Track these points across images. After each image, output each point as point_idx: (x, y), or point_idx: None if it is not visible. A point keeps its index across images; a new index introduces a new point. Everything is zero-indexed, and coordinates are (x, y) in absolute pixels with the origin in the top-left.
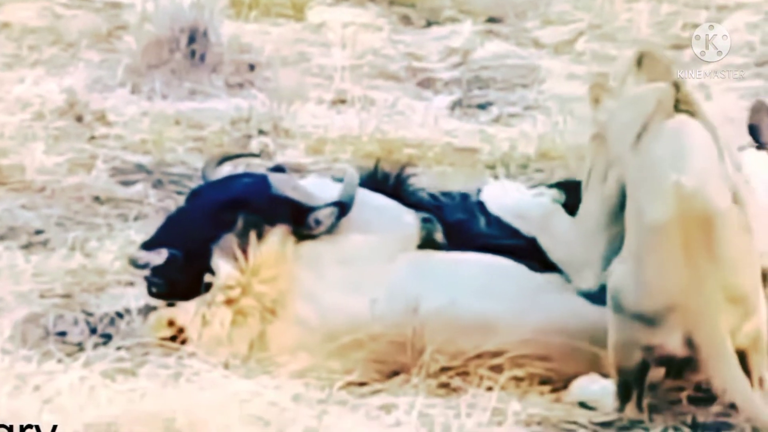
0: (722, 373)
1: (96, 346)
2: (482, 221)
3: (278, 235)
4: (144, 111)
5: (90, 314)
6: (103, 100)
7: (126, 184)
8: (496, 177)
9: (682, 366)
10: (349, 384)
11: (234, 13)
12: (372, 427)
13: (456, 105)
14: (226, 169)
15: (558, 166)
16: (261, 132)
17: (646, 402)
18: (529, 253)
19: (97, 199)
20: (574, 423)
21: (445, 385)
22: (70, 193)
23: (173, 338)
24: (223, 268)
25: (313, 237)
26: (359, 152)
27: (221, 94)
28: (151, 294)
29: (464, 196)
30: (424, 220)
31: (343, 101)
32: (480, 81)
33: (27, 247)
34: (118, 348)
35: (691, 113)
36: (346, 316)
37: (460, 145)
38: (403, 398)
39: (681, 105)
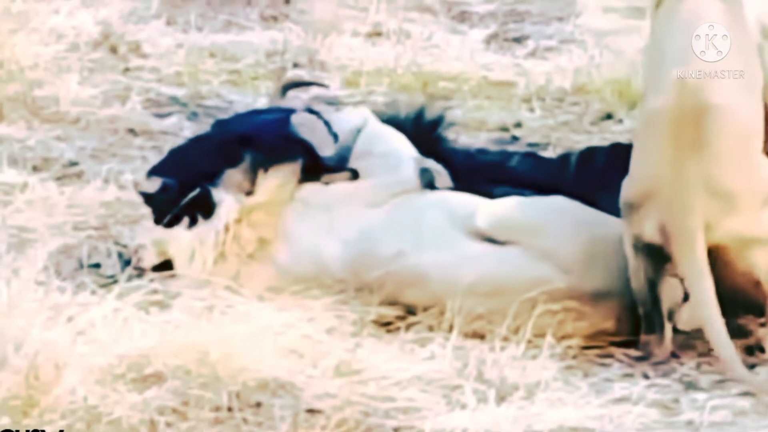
0: (686, 262)
1: (130, 278)
2: (514, 163)
3: (283, 175)
4: (179, 43)
5: (124, 246)
6: (138, 32)
7: (161, 116)
8: (531, 110)
9: (660, 256)
10: (382, 318)
11: None
12: (406, 360)
13: (491, 38)
14: (296, 101)
15: (594, 99)
16: (296, 65)
17: (668, 335)
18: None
19: (131, 131)
20: (611, 357)
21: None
22: (104, 125)
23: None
24: (226, 202)
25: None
26: (394, 85)
27: (256, 26)
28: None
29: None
30: (423, 170)
31: (378, 34)
32: (516, 14)
33: (61, 178)
34: (152, 280)
35: None
36: (315, 259)
37: (496, 78)
38: (438, 332)
39: None
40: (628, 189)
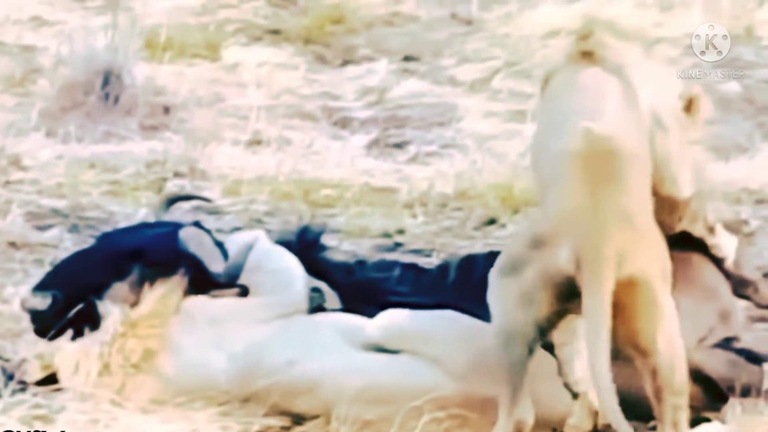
0: (592, 289)
1: (13, 393)
2: (395, 278)
3: (169, 286)
4: (59, 155)
5: (7, 360)
6: (18, 145)
7: (41, 228)
8: (414, 216)
9: (569, 291)
10: (267, 429)
11: (148, 54)
12: None
13: (373, 144)
14: (177, 211)
15: (477, 204)
16: (177, 174)
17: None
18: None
19: (12, 244)
20: None
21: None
22: None
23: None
24: (112, 314)
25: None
26: (276, 193)
27: (136, 136)
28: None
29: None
30: (313, 290)
31: (259, 142)
32: (397, 120)
33: None
34: (35, 394)
35: (600, 62)
36: (201, 371)
37: (378, 184)
38: None
39: (589, 54)
40: (542, 222)
